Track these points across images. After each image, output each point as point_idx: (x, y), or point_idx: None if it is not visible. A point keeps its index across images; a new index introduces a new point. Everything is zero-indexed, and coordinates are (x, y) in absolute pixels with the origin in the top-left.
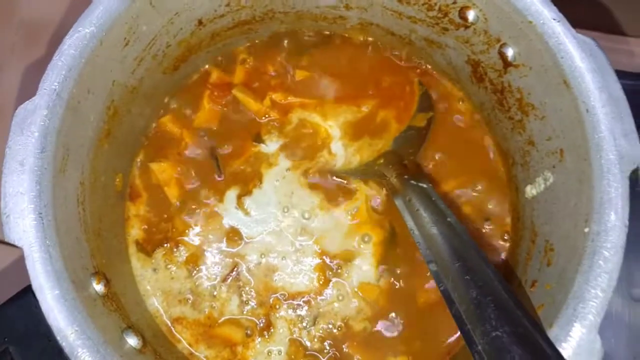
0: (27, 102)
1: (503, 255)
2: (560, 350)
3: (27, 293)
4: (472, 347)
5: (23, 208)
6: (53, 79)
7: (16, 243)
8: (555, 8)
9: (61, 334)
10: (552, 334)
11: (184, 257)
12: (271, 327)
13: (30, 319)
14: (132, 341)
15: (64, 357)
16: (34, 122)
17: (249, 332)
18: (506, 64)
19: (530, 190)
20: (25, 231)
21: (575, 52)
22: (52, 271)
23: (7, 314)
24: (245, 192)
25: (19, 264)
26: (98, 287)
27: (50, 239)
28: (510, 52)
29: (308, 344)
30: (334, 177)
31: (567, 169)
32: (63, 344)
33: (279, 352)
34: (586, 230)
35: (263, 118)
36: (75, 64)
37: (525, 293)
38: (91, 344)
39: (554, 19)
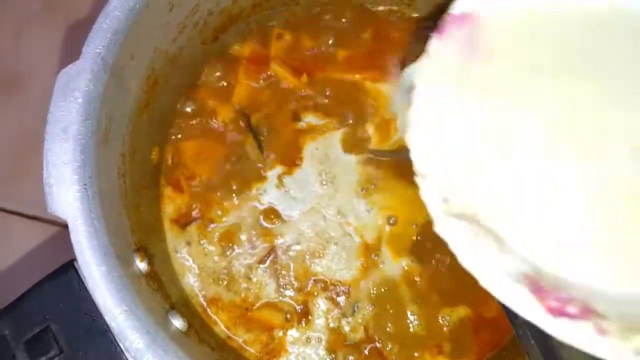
0: (70, 66)
1: None
2: None
3: (69, 269)
4: (523, 342)
5: (67, 178)
6: (98, 42)
7: (60, 215)
8: None
9: (109, 314)
10: None
11: (218, 235)
12: (309, 315)
13: (72, 297)
14: (178, 323)
15: (110, 337)
16: (77, 87)
17: (288, 316)
18: None
19: None
20: (70, 203)
21: None
22: (97, 246)
23: (46, 290)
24: (285, 171)
25: (56, 240)
26: (141, 264)
27: (95, 212)
28: None
29: (349, 333)
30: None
31: None
32: (112, 324)
33: (319, 339)
34: None
35: (301, 92)
36: (121, 27)
37: None
38: (141, 325)
39: None
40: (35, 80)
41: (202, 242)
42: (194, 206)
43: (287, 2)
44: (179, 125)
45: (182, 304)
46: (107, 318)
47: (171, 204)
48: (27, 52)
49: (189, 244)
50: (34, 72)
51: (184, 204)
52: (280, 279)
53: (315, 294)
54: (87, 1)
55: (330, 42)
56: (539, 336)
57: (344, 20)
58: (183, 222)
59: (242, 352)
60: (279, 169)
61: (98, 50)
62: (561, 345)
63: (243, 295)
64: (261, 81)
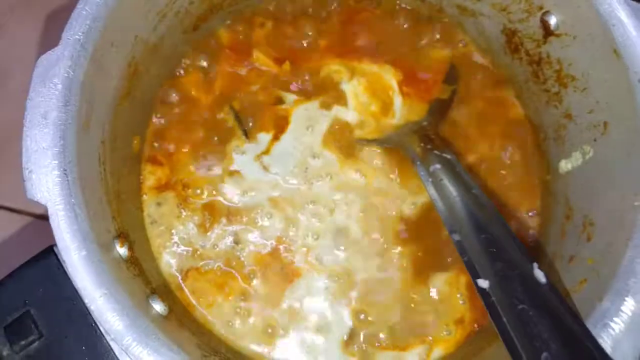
0: (49, 52)
1: (531, 230)
2: (612, 324)
3: (49, 254)
4: (497, 320)
5: (47, 164)
6: (77, 29)
7: (39, 201)
8: None
9: (89, 297)
10: (602, 308)
11: (195, 209)
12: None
13: (52, 281)
14: (159, 307)
15: (90, 320)
16: (56, 73)
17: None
18: (547, 33)
19: (565, 165)
20: (49, 188)
21: (629, 20)
22: (77, 231)
23: (26, 276)
24: (264, 151)
25: (35, 229)
26: (122, 250)
27: (75, 197)
28: (553, 21)
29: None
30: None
31: (611, 142)
32: (92, 307)
33: None
34: (636, 203)
35: (283, 79)
36: (100, 14)
37: (555, 268)
38: (120, 308)
39: None
40: (16, 72)
41: (180, 215)
42: (173, 179)
43: None
44: (160, 113)
45: (163, 290)
46: (86, 301)
47: (151, 177)
48: (8, 44)
49: (163, 219)
50: (15, 64)
51: (164, 176)
52: (244, 260)
53: None
54: None
55: (310, 30)
56: (513, 318)
57: (324, 13)
58: (161, 192)
59: (221, 337)
60: (261, 148)
61: (77, 37)
62: (530, 323)
63: (219, 274)
64: (243, 69)
